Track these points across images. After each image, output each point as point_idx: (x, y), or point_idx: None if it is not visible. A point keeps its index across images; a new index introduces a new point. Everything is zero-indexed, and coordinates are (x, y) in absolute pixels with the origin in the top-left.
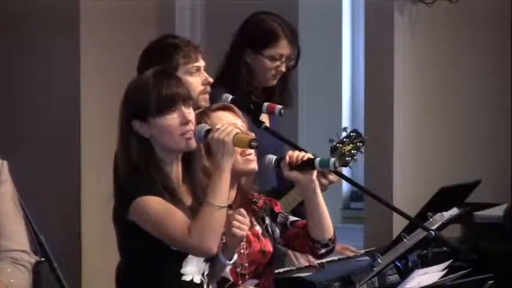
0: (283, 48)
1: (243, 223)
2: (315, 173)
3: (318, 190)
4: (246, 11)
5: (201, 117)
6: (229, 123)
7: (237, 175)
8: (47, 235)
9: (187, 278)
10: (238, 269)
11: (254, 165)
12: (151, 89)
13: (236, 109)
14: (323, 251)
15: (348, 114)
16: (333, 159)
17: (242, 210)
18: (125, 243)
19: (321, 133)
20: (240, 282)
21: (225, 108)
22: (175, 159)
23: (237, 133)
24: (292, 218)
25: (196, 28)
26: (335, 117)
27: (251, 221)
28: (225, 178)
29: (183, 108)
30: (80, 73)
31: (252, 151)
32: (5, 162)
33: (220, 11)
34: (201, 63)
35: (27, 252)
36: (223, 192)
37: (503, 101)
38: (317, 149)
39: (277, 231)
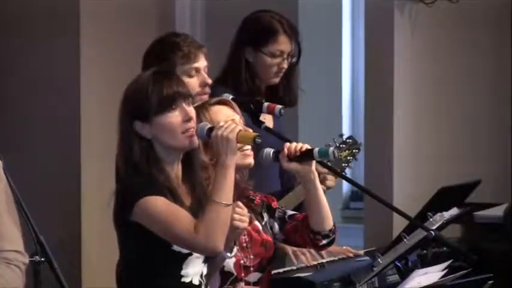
0: (282, 44)
1: (243, 215)
2: (313, 163)
3: (317, 181)
4: (246, 10)
5: (200, 111)
6: (228, 117)
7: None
8: (47, 235)
9: (186, 279)
10: (242, 261)
11: (251, 160)
12: (151, 89)
13: (234, 104)
14: (324, 242)
15: (348, 114)
16: (332, 148)
17: (239, 203)
18: (126, 244)
19: (321, 133)
20: (243, 275)
21: (223, 102)
22: (177, 160)
23: (240, 130)
24: (290, 212)
25: (196, 28)
26: (335, 117)
27: (250, 217)
28: (230, 175)
29: (184, 105)
30: (80, 73)
31: (249, 146)
32: (0, 162)
33: (220, 11)
34: (201, 63)
35: (21, 253)
36: (228, 190)
37: (503, 101)
38: None
39: (276, 226)
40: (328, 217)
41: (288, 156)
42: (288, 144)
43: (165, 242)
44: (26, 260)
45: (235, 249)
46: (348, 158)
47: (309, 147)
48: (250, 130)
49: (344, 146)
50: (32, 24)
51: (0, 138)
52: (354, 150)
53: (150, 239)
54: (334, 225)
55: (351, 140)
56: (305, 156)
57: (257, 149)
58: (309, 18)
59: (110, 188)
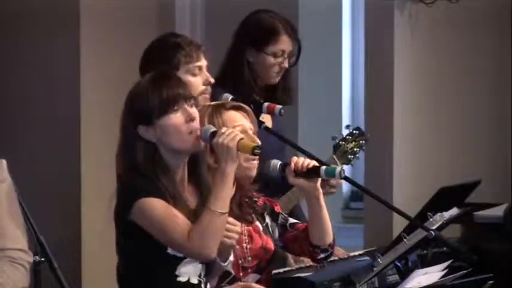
0: (284, 43)
1: (232, 231)
2: (319, 180)
3: (321, 197)
4: (246, 10)
5: (214, 113)
6: (237, 123)
7: (236, 175)
8: (47, 235)
9: (183, 278)
10: (240, 261)
11: (253, 172)
12: (152, 91)
13: (249, 111)
14: (322, 255)
15: (348, 114)
16: (338, 169)
17: (231, 219)
18: (125, 243)
19: (321, 133)
20: (241, 275)
21: (239, 108)
22: (182, 162)
23: (241, 138)
24: (291, 220)
25: (196, 28)
26: (335, 116)
27: (252, 217)
28: (228, 183)
29: (186, 106)
30: (80, 73)
31: (256, 157)
32: (4, 161)
33: (220, 11)
34: (203, 62)
35: (25, 251)
36: (224, 199)
37: (503, 101)
38: (317, 149)
39: (277, 232)
40: (328, 232)
41: (294, 171)
42: (295, 159)
43: (160, 244)
44: (31, 258)
45: (231, 257)
46: (355, 149)
47: (316, 164)
48: (258, 140)
49: (350, 137)
50: (32, 24)
51: (0, 138)
52: (360, 141)
53: (146, 240)
54: (333, 240)
55: (357, 131)
56: (312, 173)
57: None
58: (309, 18)
59: (110, 188)
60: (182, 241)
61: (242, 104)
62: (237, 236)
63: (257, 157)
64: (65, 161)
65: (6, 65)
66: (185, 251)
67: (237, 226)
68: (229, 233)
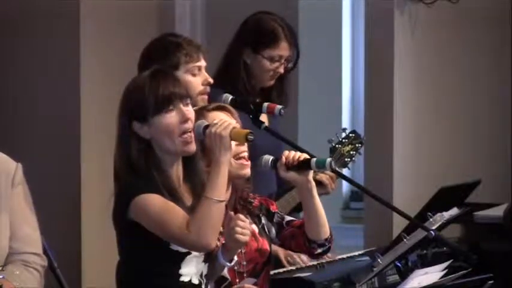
0: (282, 49)
1: (244, 228)
2: (311, 173)
3: (315, 191)
4: (246, 11)
5: (197, 116)
6: None
7: (230, 178)
8: (47, 235)
9: (185, 278)
10: (235, 267)
11: (247, 171)
12: (148, 89)
13: (232, 110)
14: (319, 250)
15: (348, 114)
16: (329, 160)
17: (241, 215)
18: (125, 243)
19: (321, 133)
20: (237, 280)
21: (221, 108)
22: (176, 160)
23: (233, 127)
24: (288, 218)
25: (196, 28)
26: (335, 117)
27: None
28: (223, 172)
29: (181, 106)
30: (80, 73)
31: (246, 155)
32: (20, 165)
33: (220, 11)
34: (203, 63)
35: (40, 255)
36: (221, 186)
37: (503, 100)
38: (317, 149)
39: (273, 231)
40: (324, 226)
41: (285, 165)
42: (286, 152)
43: (163, 240)
44: (45, 262)
45: (235, 257)
46: (351, 152)
47: (307, 156)
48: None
49: (346, 140)
50: (32, 24)
51: (0, 138)
52: (357, 145)
53: (147, 238)
54: (330, 234)
55: (353, 135)
56: (303, 166)
57: (253, 149)
58: (309, 18)
59: (110, 188)
60: (181, 232)
61: (224, 104)
62: (249, 233)
63: (246, 154)
64: (65, 161)
65: (6, 65)
66: (184, 243)
67: (247, 222)
68: (243, 230)
